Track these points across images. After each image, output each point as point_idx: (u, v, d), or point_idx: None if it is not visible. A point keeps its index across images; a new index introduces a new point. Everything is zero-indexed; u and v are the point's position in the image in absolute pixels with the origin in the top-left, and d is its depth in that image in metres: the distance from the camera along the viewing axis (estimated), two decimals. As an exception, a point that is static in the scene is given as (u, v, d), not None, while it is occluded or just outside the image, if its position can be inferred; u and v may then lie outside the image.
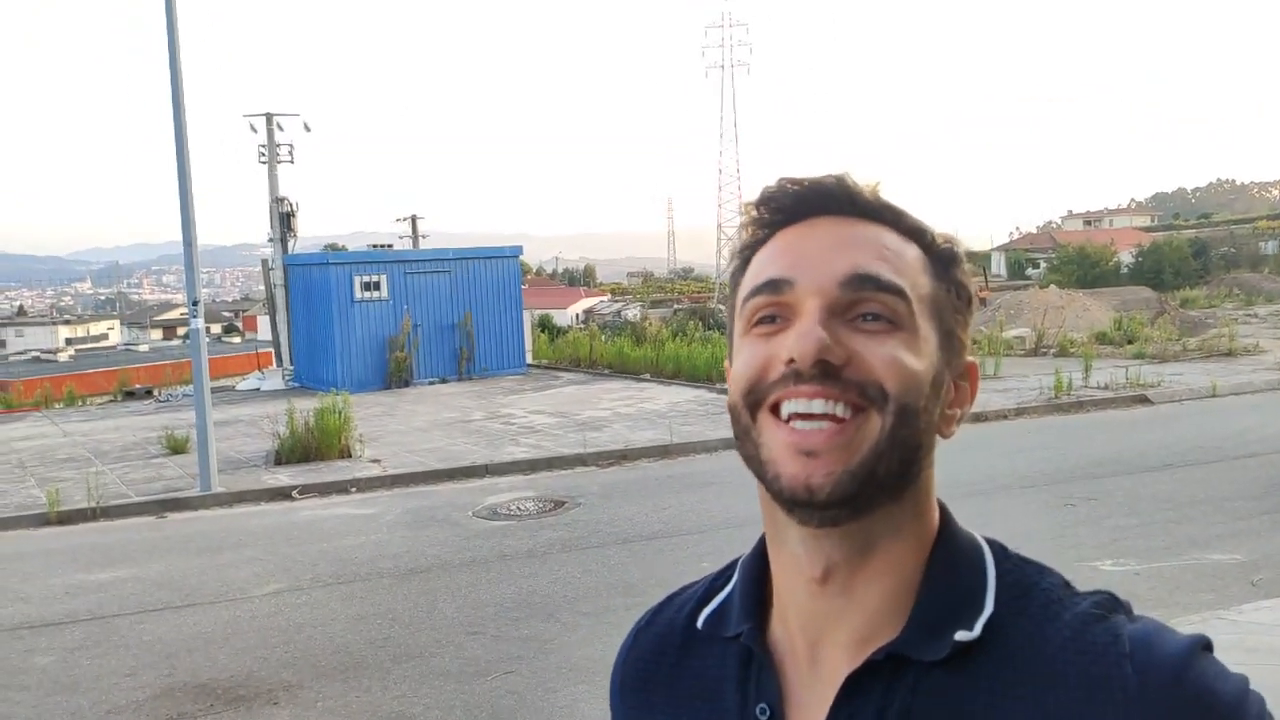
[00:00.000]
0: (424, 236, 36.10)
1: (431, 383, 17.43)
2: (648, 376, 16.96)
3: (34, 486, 10.01)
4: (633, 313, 32.12)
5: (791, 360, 0.67)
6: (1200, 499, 7.61)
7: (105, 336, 66.51)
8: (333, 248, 26.39)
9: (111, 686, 5.05)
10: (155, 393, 19.36)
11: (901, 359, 0.68)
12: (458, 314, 17.82)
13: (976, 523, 0.74)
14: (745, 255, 0.74)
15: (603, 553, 6.95)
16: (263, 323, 30.67)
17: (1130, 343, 18.38)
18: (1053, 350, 18.06)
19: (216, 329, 56.61)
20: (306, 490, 9.55)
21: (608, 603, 5.79)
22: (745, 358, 0.70)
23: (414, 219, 36.43)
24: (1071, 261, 44.04)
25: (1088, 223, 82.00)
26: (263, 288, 23.81)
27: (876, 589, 0.71)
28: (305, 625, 5.80)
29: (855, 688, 0.68)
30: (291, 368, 19.29)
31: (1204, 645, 0.66)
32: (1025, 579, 0.71)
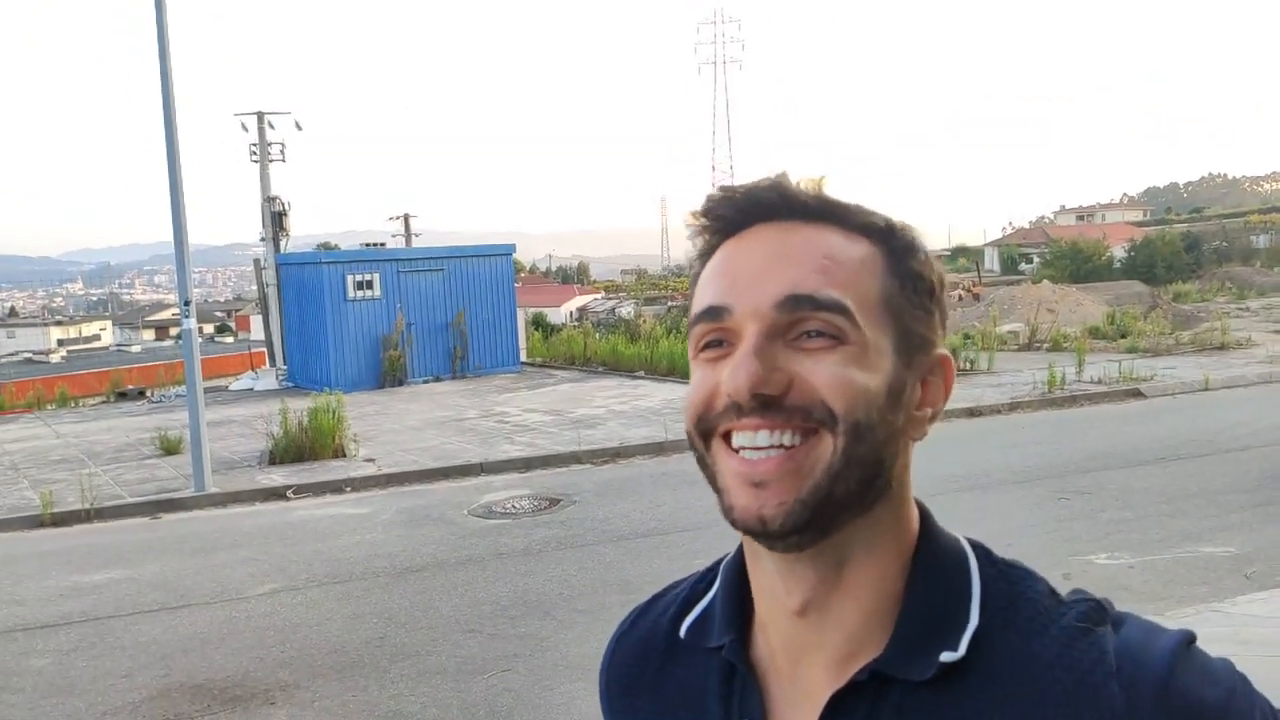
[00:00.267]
0: (417, 235, 36.08)
1: (425, 381, 17.40)
2: (642, 374, 16.97)
3: (27, 488, 9.97)
4: (626, 310, 32.12)
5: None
6: (1193, 492, 7.64)
7: (98, 337, 66.29)
8: (325, 247, 26.31)
9: (107, 688, 5.04)
10: (148, 393, 19.30)
11: (848, 376, 0.65)
12: (451, 312, 17.80)
13: (971, 518, 0.73)
14: (700, 263, 0.72)
15: (598, 550, 6.96)
16: (255, 322, 30.61)
17: (1123, 337, 18.45)
18: (1046, 345, 18.11)
19: (209, 329, 56.44)
20: (301, 490, 9.53)
21: (603, 600, 5.80)
22: (693, 386, 0.68)
23: (407, 217, 36.40)
24: (1064, 256, 44.15)
25: (1080, 218, 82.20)
26: (255, 287, 23.76)
27: (855, 606, 0.69)
28: (301, 625, 5.80)
29: (839, 707, 0.67)
30: (285, 367, 19.25)
31: (1188, 645, 0.65)
32: (1011, 588, 0.70)
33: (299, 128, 25.92)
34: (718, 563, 0.79)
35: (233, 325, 58.37)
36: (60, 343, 56.66)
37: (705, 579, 0.80)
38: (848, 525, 0.67)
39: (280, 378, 19.07)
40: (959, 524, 0.75)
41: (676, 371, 16.11)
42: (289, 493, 9.47)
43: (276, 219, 22.33)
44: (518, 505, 8.57)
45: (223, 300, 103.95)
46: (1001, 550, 0.73)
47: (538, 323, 25.86)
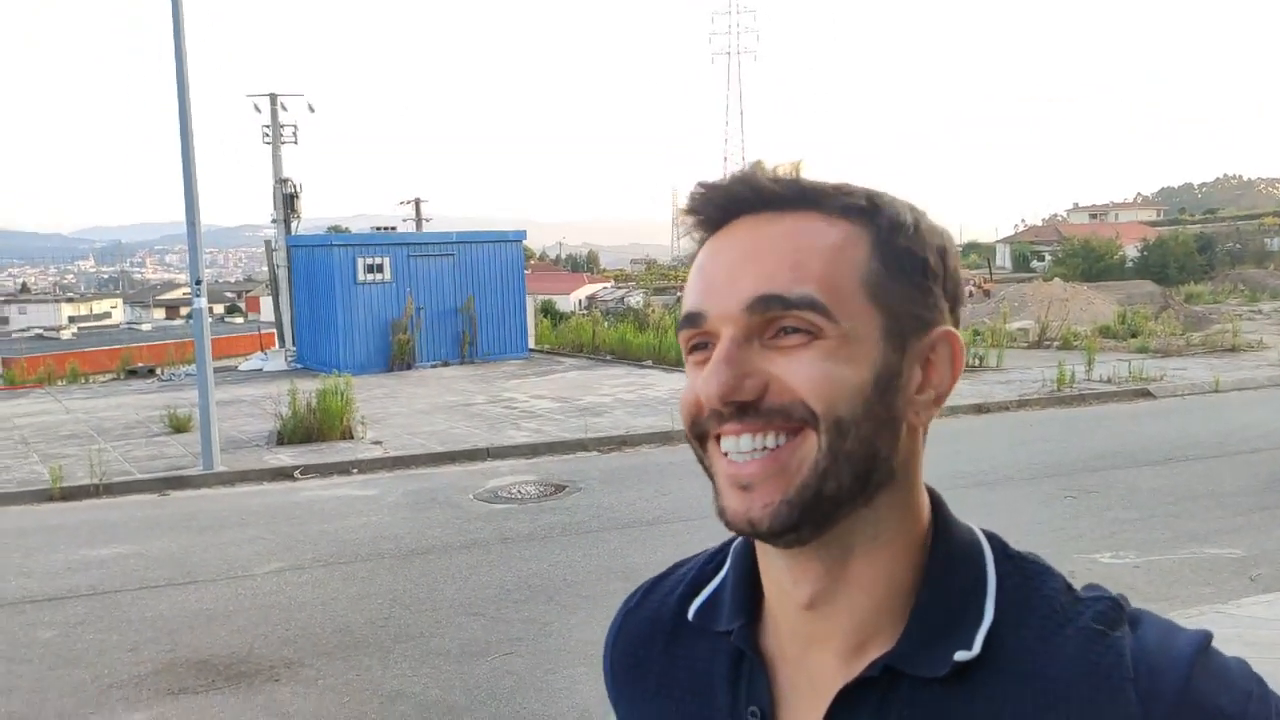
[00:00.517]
0: (427, 220, 36.08)
1: (434, 366, 17.44)
2: (650, 363, 16.97)
3: (37, 462, 10.04)
4: (636, 300, 32.09)
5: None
6: (1201, 493, 7.62)
7: (108, 315, 66.56)
8: (336, 229, 26.38)
9: (113, 661, 5.08)
10: (158, 372, 19.38)
11: (825, 371, 0.63)
12: (460, 298, 17.81)
13: (978, 514, 0.71)
14: (692, 261, 0.72)
15: (603, 537, 6.98)
16: (265, 304, 30.71)
17: (1134, 337, 18.37)
18: (1056, 343, 18.05)
19: (219, 309, 56.65)
20: (308, 471, 9.57)
21: (607, 587, 5.82)
22: (684, 390, 0.68)
23: (418, 202, 36.39)
24: (1076, 255, 43.95)
25: (1093, 216, 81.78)
26: (266, 269, 23.82)
27: (864, 597, 0.68)
28: (306, 604, 5.83)
29: (849, 699, 0.67)
30: (294, 349, 19.30)
31: (1206, 648, 0.64)
32: (1026, 583, 0.68)
33: (312, 110, 25.96)
34: (727, 544, 0.79)
35: (243, 306, 58.55)
36: (71, 319, 56.93)
37: (714, 560, 0.80)
38: (849, 517, 0.66)
39: (289, 359, 19.13)
40: (965, 520, 0.74)
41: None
42: (296, 473, 9.52)
43: (288, 201, 22.37)
44: (523, 491, 8.59)
45: (233, 281, 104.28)
46: None
47: (547, 310, 25.87)
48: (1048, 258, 52.67)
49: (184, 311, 54.75)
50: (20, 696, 4.68)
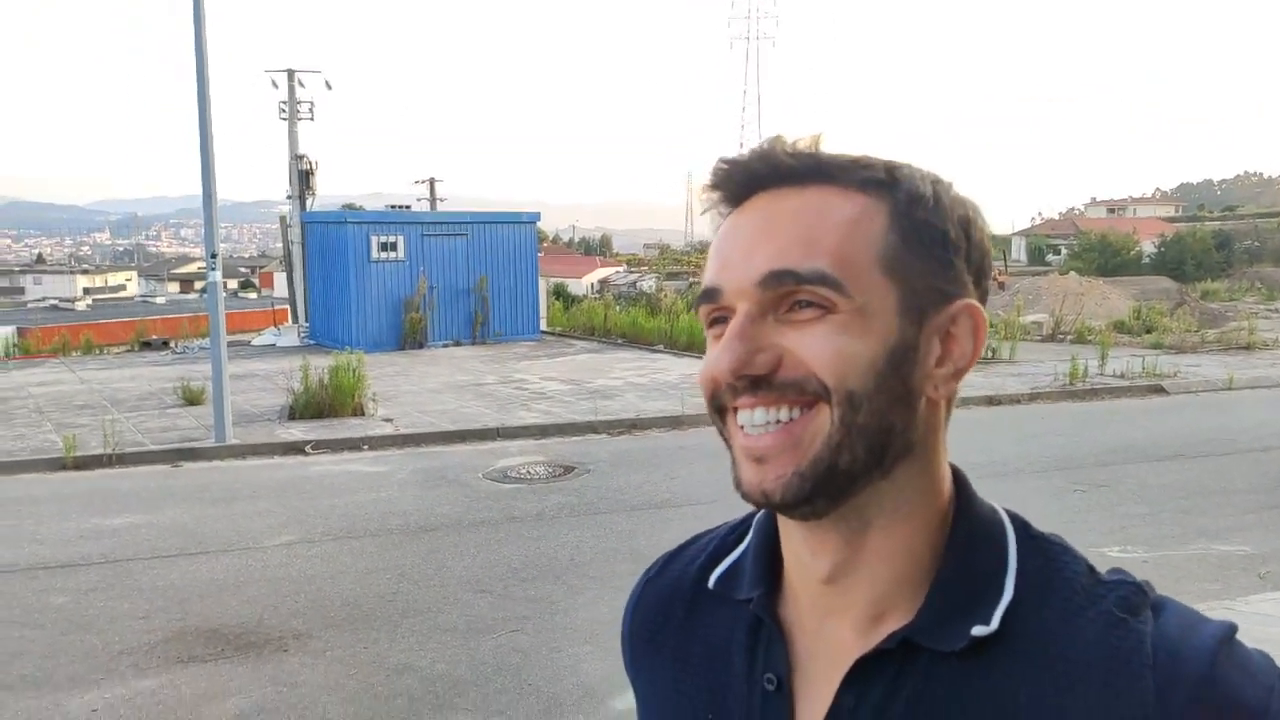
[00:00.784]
0: (442, 200, 36.08)
1: (445, 345, 17.48)
2: (661, 348, 16.97)
3: (51, 431, 10.12)
4: (648, 284, 32.05)
5: None
6: (1211, 490, 7.59)
7: (123, 287, 66.90)
8: (350, 207, 26.37)
9: (124, 628, 5.13)
10: (172, 344, 19.49)
11: (837, 345, 0.63)
12: (473, 278, 17.83)
13: None
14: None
15: (610, 519, 7.00)
16: (279, 280, 30.79)
17: (1148, 332, 18.28)
18: (1070, 337, 17.96)
19: (233, 284, 56.81)
20: (319, 446, 9.62)
21: (614, 568, 5.84)
22: (703, 365, 0.69)
23: (432, 181, 36.39)
24: (1093, 249, 43.69)
25: (1111, 211, 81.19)
26: (280, 245, 23.88)
27: (883, 570, 0.68)
28: (316, 577, 5.88)
29: (865, 670, 0.67)
30: (307, 325, 19.37)
31: (1229, 639, 0.64)
32: (1048, 564, 0.68)
33: (329, 87, 25.97)
34: (750, 516, 0.79)
35: (256, 282, 58.73)
36: (86, 291, 57.25)
37: (736, 531, 0.80)
38: (866, 490, 0.66)
39: (302, 335, 19.20)
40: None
41: (696, 346, 16.10)
42: (308, 448, 9.57)
43: (303, 177, 22.40)
44: (532, 471, 8.62)
45: (247, 256, 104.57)
46: None
47: (559, 293, 25.87)
48: (1064, 251, 52.37)
49: (198, 285, 54.97)
50: (32, 660, 4.74)
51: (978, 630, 0.65)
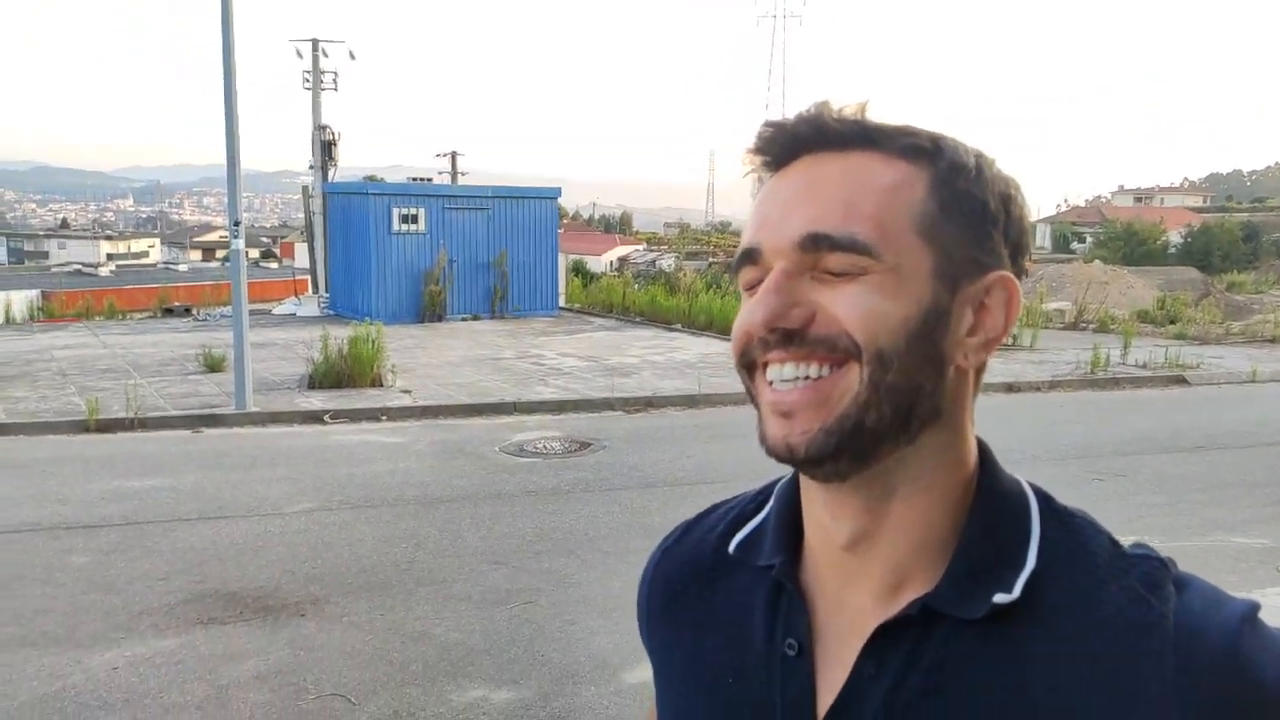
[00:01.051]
0: (463, 174, 36.08)
1: (464, 319, 17.53)
2: (679, 327, 16.95)
3: (74, 394, 10.24)
4: (667, 263, 31.97)
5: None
6: (1230, 482, 7.54)
7: (146, 254, 67.40)
8: (372, 179, 26.42)
9: (144, 589, 5.21)
10: (194, 311, 19.64)
11: (870, 304, 0.64)
12: (493, 252, 17.85)
13: None
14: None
15: (625, 495, 7.02)
16: (300, 250, 30.92)
17: (1172, 323, 18.11)
18: (1092, 326, 17.81)
19: (254, 254, 57.08)
20: (338, 415, 9.69)
21: (628, 543, 5.87)
22: (736, 321, 0.69)
23: (454, 155, 36.38)
24: (1118, 238, 43.28)
25: (1138, 200, 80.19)
26: (301, 215, 23.95)
27: (904, 539, 0.68)
28: (333, 544, 5.94)
29: (886, 637, 0.67)
30: (327, 295, 19.47)
31: (1252, 618, 0.63)
32: (1071, 537, 0.68)
33: (352, 58, 25.96)
34: (772, 484, 0.79)
35: (277, 252, 58.98)
36: (109, 257, 57.71)
37: (757, 499, 0.80)
38: (891, 454, 0.66)
39: (322, 305, 19.30)
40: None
41: (714, 326, 16.07)
42: (326, 417, 9.64)
43: (326, 148, 22.45)
44: (549, 446, 8.65)
45: (269, 226, 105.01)
46: None
47: (578, 269, 25.86)
48: (1089, 239, 51.83)
49: (220, 254, 55.32)
50: (54, 618, 4.82)
51: (999, 598, 0.65)
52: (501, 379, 11.59)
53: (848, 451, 0.65)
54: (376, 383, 10.89)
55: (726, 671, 0.74)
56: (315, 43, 24.51)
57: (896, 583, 0.69)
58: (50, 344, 14.26)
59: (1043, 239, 58.27)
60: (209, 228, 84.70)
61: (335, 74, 24.66)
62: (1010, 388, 11.81)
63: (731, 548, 0.78)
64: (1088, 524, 0.70)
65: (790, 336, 0.65)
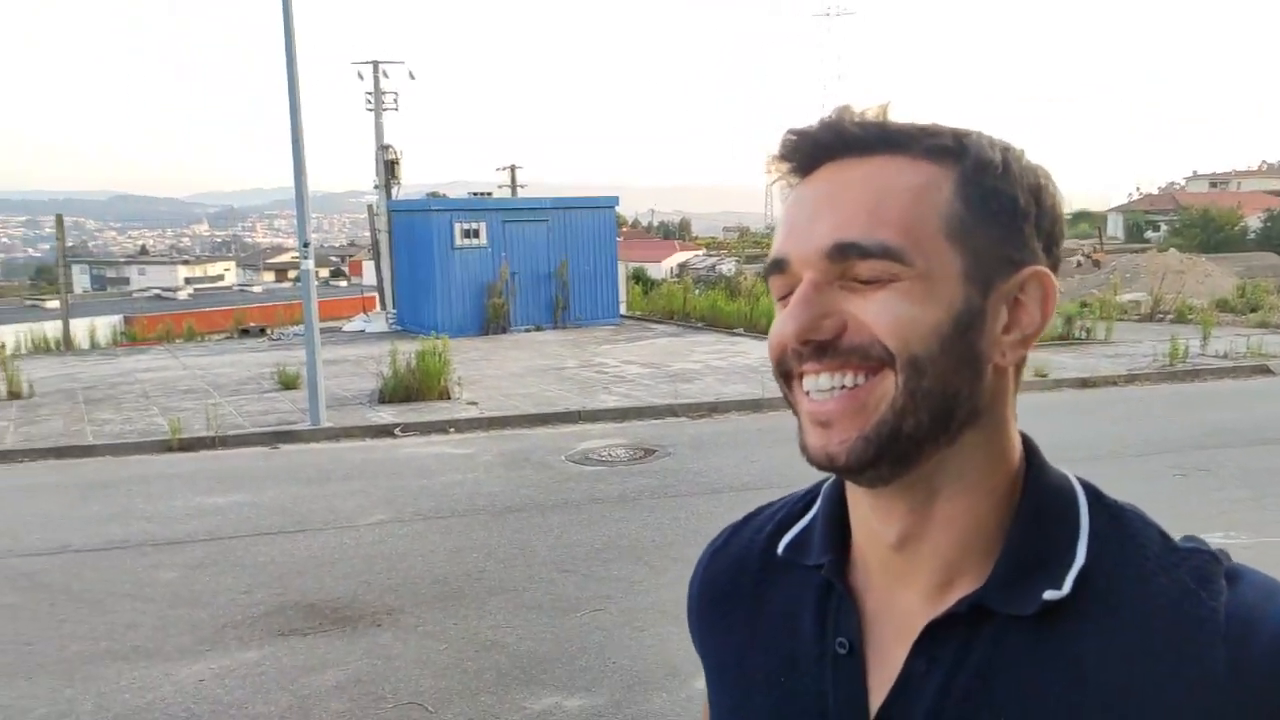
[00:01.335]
0: (522, 186, 36.48)
1: (527, 330, 17.72)
2: (740, 331, 16.90)
3: (157, 415, 10.62)
4: (727, 267, 31.89)
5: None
6: (1322, 475, 7.23)
7: (221, 277, 69.48)
8: (434, 195, 26.88)
9: (229, 602, 5.38)
10: (268, 331, 20.21)
11: (900, 311, 0.64)
12: (554, 263, 18.02)
13: None
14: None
15: (692, 501, 7.03)
16: (368, 268, 31.61)
17: (1254, 311, 17.43)
18: (1169, 316, 17.25)
19: (324, 273, 58.47)
20: (408, 428, 9.89)
21: (696, 550, 5.77)
22: (770, 333, 0.70)
23: (513, 168, 36.80)
24: (1194, 225, 41.85)
25: (1214, 185, 77.35)
26: (368, 234, 24.48)
27: (952, 538, 0.68)
28: (407, 554, 6.06)
29: (935, 634, 0.67)
30: (394, 311, 19.86)
31: None
32: (1121, 531, 0.68)
33: (412, 77, 26.45)
34: (818, 485, 0.80)
35: (346, 270, 60.34)
36: (187, 281, 59.64)
37: (804, 500, 0.81)
38: (932, 457, 0.67)
39: (390, 321, 19.69)
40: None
41: (776, 329, 15.95)
42: (397, 430, 9.84)
43: (389, 167, 22.93)
44: (614, 453, 8.70)
45: (338, 246, 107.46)
46: None
47: (638, 277, 25.94)
48: (1163, 227, 50.23)
49: (292, 274, 56.77)
50: (144, 632, 5.01)
51: (1049, 594, 0.65)
52: (565, 388, 11.69)
53: (887, 457, 0.65)
54: (444, 395, 11.08)
55: (778, 671, 0.75)
56: (376, 65, 25.07)
57: (945, 581, 0.69)
58: (133, 367, 14.81)
59: (1115, 228, 56.60)
60: (280, 249, 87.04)
61: (396, 94, 25.18)
62: (1085, 383, 11.51)
63: (780, 548, 0.79)
64: (1137, 517, 0.70)
65: (823, 348, 0.65)
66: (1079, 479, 0.72)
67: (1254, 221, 43.27)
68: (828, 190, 0.67)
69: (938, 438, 0.66)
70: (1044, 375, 11.46)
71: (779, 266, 0.68)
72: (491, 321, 17.41)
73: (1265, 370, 12.20)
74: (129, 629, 5.06)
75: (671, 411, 10.42)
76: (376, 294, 22.75)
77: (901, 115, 0.69)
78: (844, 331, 0.65)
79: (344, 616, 5.13)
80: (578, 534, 6.35)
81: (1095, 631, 0.65)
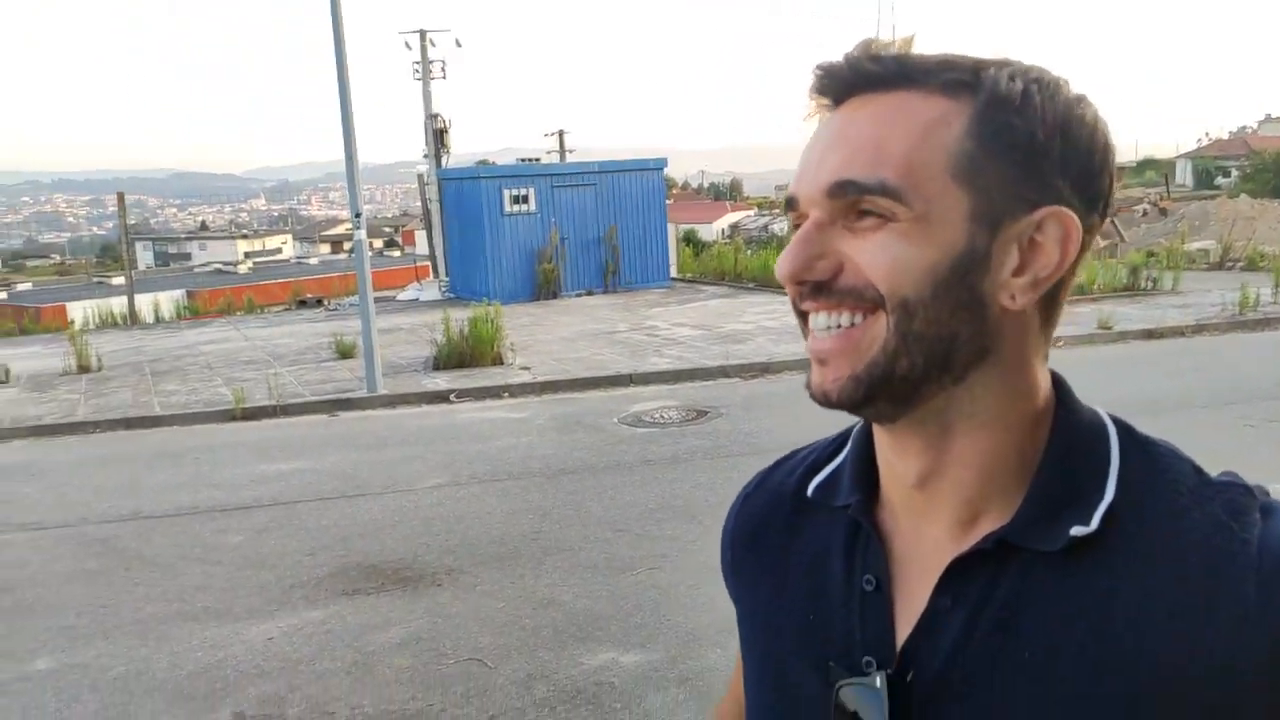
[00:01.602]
0: (571, 151, 36.39)
1: (578, 294, 17.77)
2: (794, 290, 16.73)
3: (221, 385, 10.90)
4: (779, 227, 31.54)
5: None
6: (1403, 424, 6.96)
7: (279, 250, 70.82)
8: (484, 163, 26.97)
9: (294, 564, 5.54)
10: (325, 302, 20.57)
11: (893, 253, 0.63)
12: (603, 227, 17.99)
13: None
14: None
15: (744, 461, 7.02)
16: (420, 237, 31.91)
17: (1331, 257, 16.74)
18: (1240, 264, 16.68)
19: (378, 244, 59.21)
20: (463, 394, 10.01)
21: (750, 508, 5.87)
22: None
23: (561, 134, 36.71)
24: (1267, 169, 40.23)
25: (1289, 126, 74.09)
26: (419, 203, 24.67)
27: (972, 473, 0.68)
28: (465, 517, 6.17)
29: (961, 570, 0.67)
30: (447, 279, 20.04)
31: None
32: (1152, 466, 0.67)
33: (459, 45, 26.42)
34: (848, 430, 0.81)
35: (399, 240, 61.03)
36: (246, 255, 60.90)
37: (834, 444, 0.82)
38: (937, 395, 0.66)
39: (442, 289, 19.89)
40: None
41: (829, 288, 15.77)
42: (451, 396, 9.97)
43: (438, 136, 23.01)
44: (666, 415, 8.72)
45: (390, 216, 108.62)
46: None
47: (689, 239, 25.81)
48: (1234, 173, 48.37)
49: (346, 246, 57.57)
50: (214, 594, 5.19)
51: (1076, 530, 0.65)
52: (617, 352, 11.72)
53: (881, 396, 0.66)
54: (497, 361, 11.19)
55: (807, 609, 0.76)
56: (423, 33, 25.09)
57: (970, 517, 0.69)
58: (196, 339, 15.20)
59: (1183, 175, 54.67)
60: (335, 221, 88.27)
61: (443, 63, 25.19)
62: (1150, 334, 11.19)
63: (810, 490, 0.79)
64: (1169, 452, 0.69)
65: (820, 288, 0.66)
66: (1112, 416, 0.71)
67: (1331, 164, 41.39)
68: (839, 127, 0.66)
69: (940, 377, 0.66)
70: (1108, 328, 11.17)
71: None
72: (542, 287, 17.48)
73: (1342, 318, 11.73)
74: (199, 591, 5.24)
75: (723, 373, 10.39)
76: (429, 263, 22.97)
77: (928, 47, 0.67)
78: (840, 272, 0.66)
79: (404, 577, 5.25)
80: (631, 495, 6.39)
81: (1124, 566, 0.64)
